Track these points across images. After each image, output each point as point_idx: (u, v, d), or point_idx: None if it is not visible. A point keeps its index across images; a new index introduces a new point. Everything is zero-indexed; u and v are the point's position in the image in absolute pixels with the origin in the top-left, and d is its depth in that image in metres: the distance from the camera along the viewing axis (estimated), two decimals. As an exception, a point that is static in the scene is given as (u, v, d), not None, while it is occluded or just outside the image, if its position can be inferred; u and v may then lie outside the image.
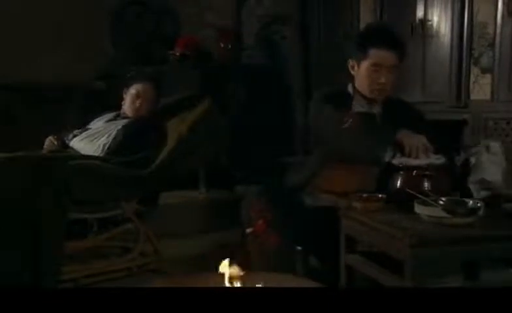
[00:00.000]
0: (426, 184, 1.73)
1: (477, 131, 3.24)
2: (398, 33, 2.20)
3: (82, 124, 2.61)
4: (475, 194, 1.82)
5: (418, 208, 1.60)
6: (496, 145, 1.90)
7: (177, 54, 3.67)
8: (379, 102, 2.11)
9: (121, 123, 2.50)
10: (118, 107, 2.64)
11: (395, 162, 1.82)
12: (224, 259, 1.34)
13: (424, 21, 3.35)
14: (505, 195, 1.77)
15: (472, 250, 1.55)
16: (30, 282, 1.92)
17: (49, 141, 2.50)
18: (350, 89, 2.15)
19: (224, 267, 1.33)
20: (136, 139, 2.40)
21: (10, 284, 1.87)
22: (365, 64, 2.05)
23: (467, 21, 3.21)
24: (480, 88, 3.25)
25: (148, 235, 2.30)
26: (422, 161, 1.78)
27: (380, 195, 1.79)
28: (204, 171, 3.40)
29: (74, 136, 2.52)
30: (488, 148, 1.87)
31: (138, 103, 2.56)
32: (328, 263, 1.96)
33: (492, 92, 3.19)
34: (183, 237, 2.93)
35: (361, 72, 2.07)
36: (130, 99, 2.57)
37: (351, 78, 2.13)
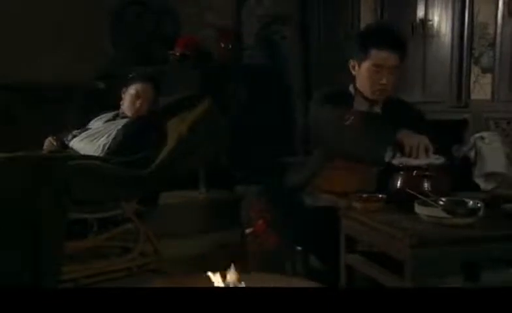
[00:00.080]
0: (426, 185, 1.73)
1: (478, 131, 3.23)
2: (400, 33, 2.20)
3: (82, 125, 2.61)
4: (482, 186, 1.82)
5: (418, 209, 1.60)
6: (490, 134, 1.90)
7: (178, 54, 3.67)
8: (380, 102, 2.11)
9: (120, 123, 2.50)
10: (118, 107, 2.64)
11: (395, 162, 1.82)
12: (224, 259, 1.34)
13: (425, 21, 3.34)
14: (505, 196, 1.77)
15: (472, 250, 1.55)
16: (30, 282, 1.92)
17: (49, 142, 2.50)
18: (351, 88, 2.15)
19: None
20: (136, 139, 2.39)
21: (10, 284, 1.87)
22: (366, 65, 2.05)
23: (467, 21, 3.21)
24: (481, 88, 3.25)
25: (148, 235, 2.30)
26: (422, 161, 1.78)
27: (380, 196, 1.79)
28: (204, 171, 3.40)
29: (74, 136, 2.52)
30: (483, 139, 1.87)
31: (138, 103, 2.56)
32: (328, 263, 1.96)
33: (493, 92, 3.18)
34: (183, 237, 2.93)
35: (362, 73, 2.07)
36: (130, 99, 2.57)
37: (352, 78, 2.13)
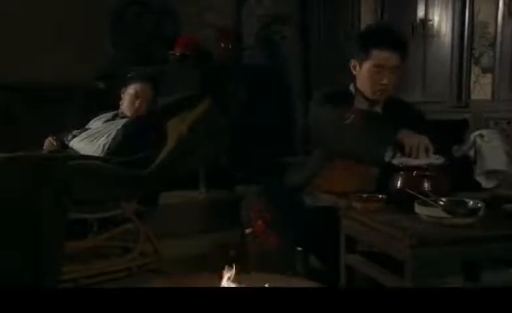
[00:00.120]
0: (426, 185, 1.73)
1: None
2: (401, 34, 2.20)
3: (81, 125, 2.61)
4: (483, 184, 1.82)
5: (419, 209, 1.60)
6: (490, 132, 1.90)
7: (178, 54, 3.67)
8: (380, 102, 2.11)
9: (120, 123, 2.50)
10: (118, 107, 2.64)
11: (395, 161, 1.82)
12: (224, 259, 1.34)
13: (425, 21, 3.34)
14: (505, 196, 1.77)
15: (472, 250, 1.55)
16: (30, 282, 1.91)
17: (49, 142, 2.50)
18: (352, 88, 2.15)
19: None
20: (135, 139, 2.39)
21: (10, 284, 1.87)
22: (367, 65, 2.05)
23: (468, 20, 3.21)
24: (481, 88, 3.24)
25: (148, 235, 2.30)
26: (422, 161, 1.78)
27: (380, 196, 1.79)
28: (204, 171, 3.40)
29: (74, 137, 2.52)
30: (482, 137, 1.87)
31: (137, 103, 2.55)
32: (328, 263, 1.96)
33: (493, 92, 3.18)
34: (183, 237, 2.92)
35: (363, 73, 2.07)
36: (129, 99, 2.57)
37: (353, 78, 2.13)
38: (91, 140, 2.45)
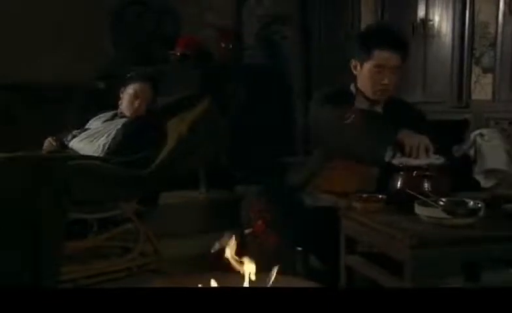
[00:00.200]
0: (426, 185, 1.73)
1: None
2: (401, 34, 2.20)
3: (81, 125, 2.61)
4: (482, 183, 1.82)
5: (419, 209, 1.60)
6: (490, 131, 1.89)
7: (178, 54, 3.68)
8: (381, 102, 2.11)
9: (119, 123, 2.50)
10: (118, 107, 2.63)
11: (395, 162, 1.82)
12: (224, 259, 1.34)
13: (425, 21, 3.34)
14: (506, 196, 1.77)
15: (472, 250, 1.55)
16: (30, 282, 1.91)
17: (48, 142, 2.50)
18: (352, 88, 2.15)
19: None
20: (135, 139, 2.39)
21: (10, 284, 1.87)
22: (368, 65, 2.05)
23: (468, 20, 3.21)
24: (482, 88, 3.24)
25: (148, 235, 2.30)
26: (422, 161, 1.78)
27: (380, 196, 1.79)
28: (204, 171, 3.40)
29: (73, 137, 2.52)
30: (482, 136, 1.87)
31: (136, 103, 2.55)
32: (328, 263, 1.96)
33: (494, 92, 3.17)
34: (183, 237, 2.93)
35: (364, 73, 2.07)
36: (128, 99, 2.57)
37: (353, 78, 2.13)
38: (91, 140, 2.45)
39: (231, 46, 3.89)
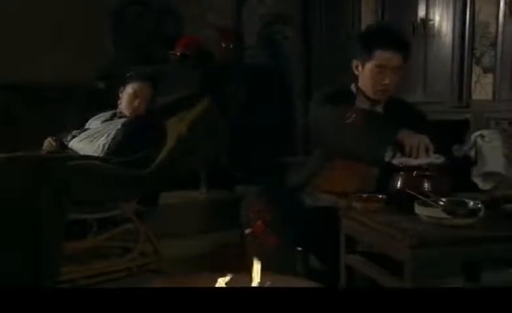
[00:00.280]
0: (426, 185, 1.73)
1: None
2: (403, 34, 2.20)
3: (81, 125, 2.61)
4: (480, 186, 1.81)
5: (419, 209, 1.60)
6: (491, 132, 1.89)
7: (178, 54, 3.67)
8: (381, 102, 2.11)
9: (119, 123, 2.50)
10: (117, 106, 2.63)
11: (395, 161, 1.82)
12: (224, 259, 1.34)
13: (426, 21, 3.34)
14: (505, 196, 1.76)
15: (472, 251, 1.55)
16: (30, 282, 1.91)
17: (48, 143, 2.50)
18: (353, 87, 2.15)
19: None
20: (135, 139, 2.39)
21: (10, 284, 1.87)
22: (369, 65, 2.05)
23: (468, 20, 3.20)
24: (482, 88, 3.23)
25: (148, 235, 2.30)
26: (422, 160, 1.78)
27: (380, 196, 1.78)
28: (205, 172, 3.40)
29: (73, 137, 2.51)
30: (483, 137, 1.87)
31: (136, 102, 2.55)
32: (328, 263, 1.96)
33: (494, 92, 3.17)
34: (183, 237, 2.92)
35: (365, 73, 2.07)
36: (128, 98, 2.56)
37: (355, 78, 2.13)
38: (91, 140, 2.45)
39: (231, 46, 3.89)
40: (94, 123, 2.59)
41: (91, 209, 2.17)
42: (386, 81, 2.04)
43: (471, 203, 1.60)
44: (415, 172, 1.76)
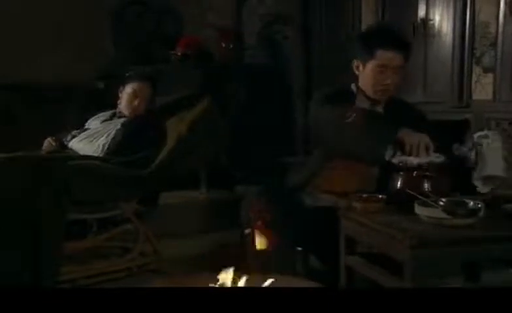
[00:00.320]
0: (426, 185, 1.73)
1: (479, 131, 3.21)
2: (405, 34, 2.20)
3: (81, 125, 2.61)
4: (480, 189, 1.81)
5: (419, 210, 1.59)
6: (492, 133, 1.89)
7: (179, 54, 3.68)
8: (382, 102, 2.11)
9: (119, 123, 2.50)
10: (116, 106, 2.63)
11: (395, 160, 1.81)
12: (224, 259, 1.34)
13: (426, 21, 3.34)
14: (506, 196, 1.76)
15: (472, 251, 1.55)
16: (30, 282, 1.91)
17: (48, 143, 2.50)
18: (353, 87, 2.15)
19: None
20: (135, 139, 2.39)
21: (10, 284, 1.87)
22: (371, 65, 2.05)
23: (469, 20, 3.20)
24: (483, 88, 3.23)
25: (148, 235, 2.30)
26: (422, 159, 1.78)
27: (380, 196, 1.78)
28: (204, 172, 3.40)
29: (73, 137, 2.51)
30: (483, 138, 1.86)
31: (135, 102, 2.55)
32: (328, 263, 1.96)
33: (494, 92, 3.17)
34: (183, 237, 2.92)
35: (366, 73, 2.07)
36: (127, 98, 2.56)
37: (355, 78, 2.13)
38: (91, 140, 2.45)
39: (231, 46, 3.89)
40: (93, 123, 2.59)
41: (91, 209, 2.17)
42: (388, 81, 2.04)
43: (471, 203, 1.60)
44: (415, 172, 1.76)
